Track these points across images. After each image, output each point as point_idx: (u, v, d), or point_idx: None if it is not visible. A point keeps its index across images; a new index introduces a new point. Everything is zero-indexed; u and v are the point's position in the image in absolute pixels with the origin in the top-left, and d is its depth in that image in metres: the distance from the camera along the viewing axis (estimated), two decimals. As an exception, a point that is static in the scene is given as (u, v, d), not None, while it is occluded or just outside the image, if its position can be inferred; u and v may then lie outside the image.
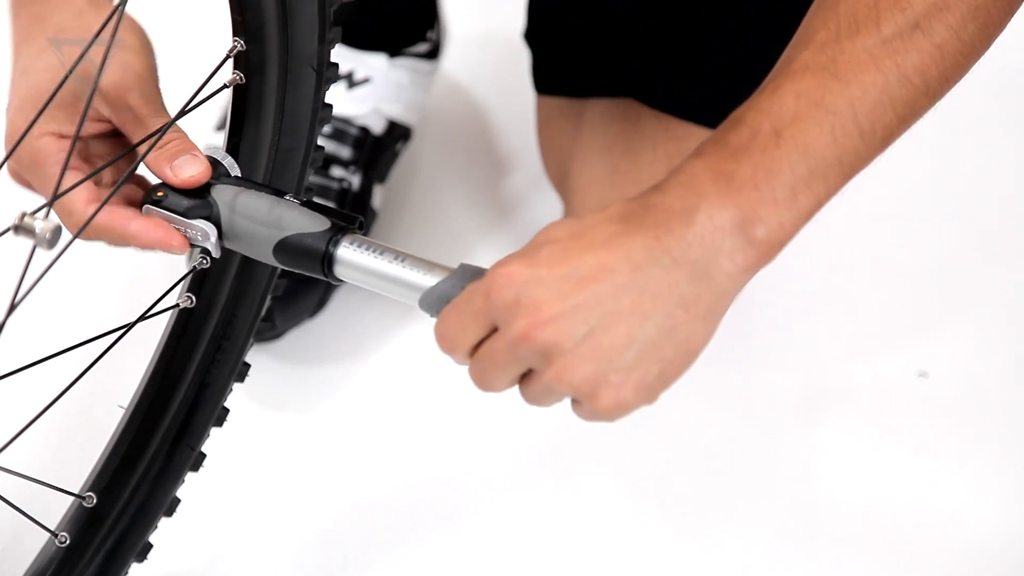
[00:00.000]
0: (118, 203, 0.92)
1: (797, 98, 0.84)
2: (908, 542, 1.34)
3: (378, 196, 1.52)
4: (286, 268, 0.91)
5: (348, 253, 0.88)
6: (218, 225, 0.91)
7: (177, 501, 1.12)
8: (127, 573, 1.12)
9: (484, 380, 0.85)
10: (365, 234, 0.92)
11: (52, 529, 1.06)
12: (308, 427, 1.40)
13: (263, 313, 1.07)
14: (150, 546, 1.13)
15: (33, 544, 1.10)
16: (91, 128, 0.95)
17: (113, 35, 0.83)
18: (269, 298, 1.07)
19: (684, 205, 0.82)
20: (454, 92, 1.68)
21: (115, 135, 0.96)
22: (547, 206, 1.56)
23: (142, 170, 0.93)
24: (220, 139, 0.98)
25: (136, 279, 1.45)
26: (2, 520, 1.23)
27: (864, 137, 0.85)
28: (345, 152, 1.49)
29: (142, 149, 0.91)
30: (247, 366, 1.10)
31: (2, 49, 1.07)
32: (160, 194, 0.91)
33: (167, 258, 1.24)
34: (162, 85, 0.96)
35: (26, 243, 0.77)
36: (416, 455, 1.39)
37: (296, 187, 1.00)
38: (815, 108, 0.84)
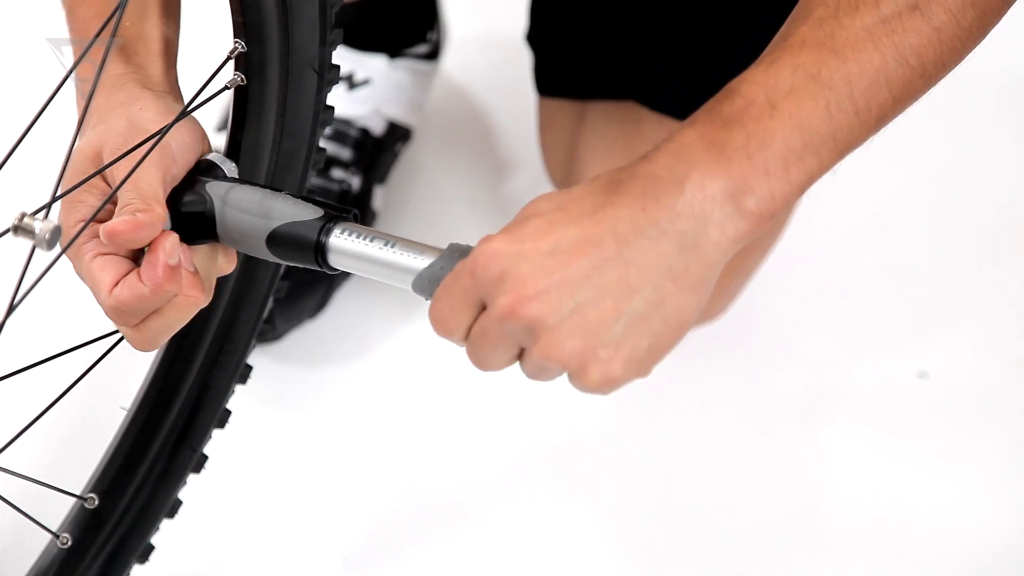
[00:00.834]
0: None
1: (794, 71, 0.83)
2: (908, 542, 1.34)
3: (378, 197, 1.52)
4: (281, 262, 0.91)
5: (340, 241, 0.88)
6: (212, 219, 0.90)
7: (179, 503, 1.13)
8: (129, 575, 1.12)
9: (481, 360, 0.84)
10: None
11: (54, 530, 1.06)
12: (308, 428, 1.40)
13: (265, 315, 1.07)
14: (152, 548, 1.13)
15: (34, 545, 1.10)
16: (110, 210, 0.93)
17: (112, 36, 0.83)
18: (271, 300, 1.07)
19: (674, 174, 0.81)
20: (454, 93, 1.68)
21: None
22: (547, 207, 1.55)
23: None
24: (221, 141, 0.97)
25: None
26: (3, 521, 1.23)
27: (859, 114, 0.84)
28: (345, 153, 1.49)
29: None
30: (249, 368, 1.10)
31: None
32: None
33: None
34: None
35: (25, 244, 0.76)
36: (416, 456, 1.39)
37: (298, 189, 1.00)
38: (811, 82, 0.83)
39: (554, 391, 1.43)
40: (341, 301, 1.48)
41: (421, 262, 0.86)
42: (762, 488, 1.37)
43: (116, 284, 0.88)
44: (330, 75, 0.95)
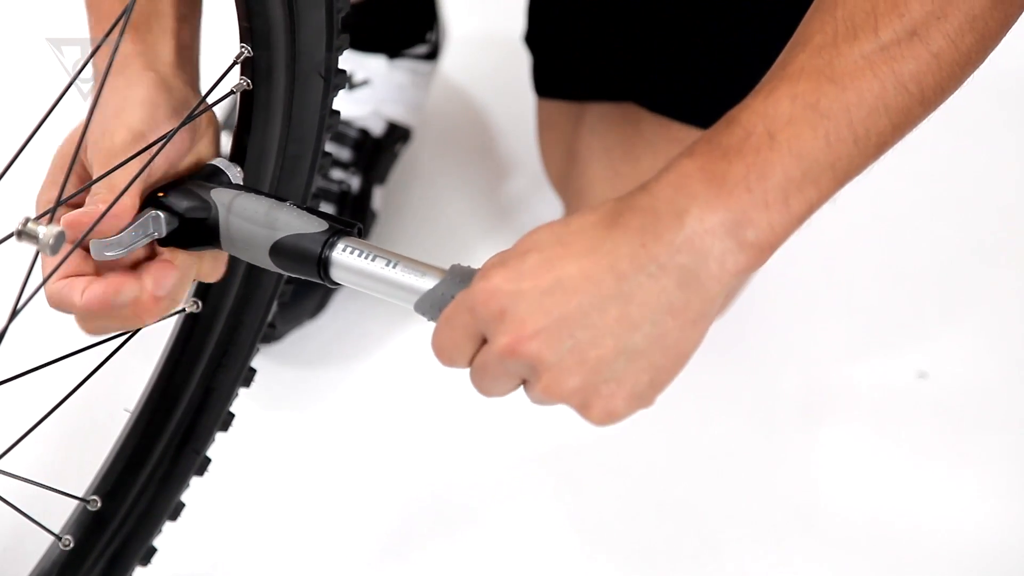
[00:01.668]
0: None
1: (792, 100, 0.83)
2: (907, 542, 1.34)
3: (378, 198, 1.52)
4: (283, 272, 0.91)
5: (343, 256, 0.88)
6: (216, 226, 0.90)
7: (182, 505, 1.12)
8: (131, 577, 1.13)
9: (484, 389, 0.84)
10: (365, 237, 0.92)
11: (56, 532, 1.06)
12: (309, 429, 1.40)
13: (270, 318, 1.07)
14: (154, 550, 1.13)
15: (36, 547, 1.10)
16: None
17: (118, 41, 0.82)
18: (276, 303, 1.07)
19: (673, 207, 0.81)
20: (454, 93, 1.68)
21: None
22: (547, 208, 1.56)
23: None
24: (226, 145, 0.97)
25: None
26: (5, 523, 1.23)
27: (858, 143, 0.84)
28: (345, 154, 1.49)
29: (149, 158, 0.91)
30: (253, 371, 1.10)
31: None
32: (161, 194, 0.91)
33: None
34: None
35: (29, 248, 0.77)
36: (417, 457, 1.39)
37: (303, 194, 1.00)
38: (810, 111, 0.83)
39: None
40: (341, 302, 1.48)
41: (423, 283, 0.86)
42: (762, 488, 1.37)
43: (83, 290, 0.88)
44: (336, 80, 0.95)
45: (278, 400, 1.41)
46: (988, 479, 1.38)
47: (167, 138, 0.89)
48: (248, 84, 0.92)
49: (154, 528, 1.11)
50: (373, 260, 0.87)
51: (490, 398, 0.85)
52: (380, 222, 1.53)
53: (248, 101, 0.94)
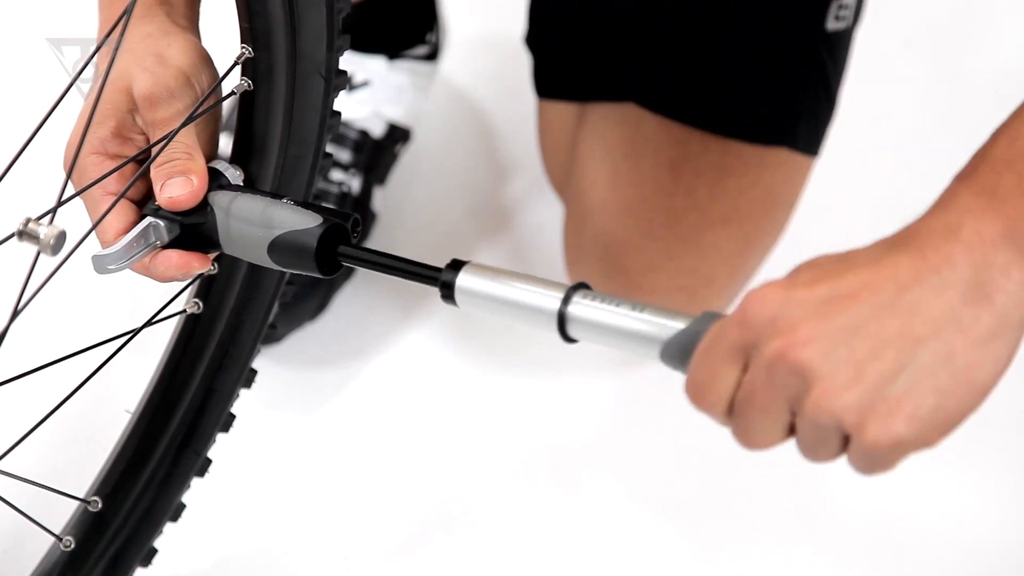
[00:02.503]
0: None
1: None
2: (908, 543, 1.34)
3: (378, 198, 1.52)
4: (285, 270, 0.91)
5: (580, 310, 0.83)
6: (214, 231, 0.90)
7: (182, 506, 1.12)
8: (132, 578, 1.13)
9: (749, 431, 0.79)
10: (365, 237, 0.92)
11: (57, 533, 1.06)
12: (309, 430, 1.41)
13: (271, 319, 1.07)
14: (155, 551, 1.13)
15: (36, 548, 1.10)
16: (134, 147, 0.94)
17: (120, 37, 0.82)
18: (277, 304, 1.07)
19: (947, 223, 0.77)
20: (454, 94, 1.68)
21: None
22: (547, 209, 1.56)
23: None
24: (227, 145, 0.97)
25: (143, 284, 1.45)
26: (6, 524, 1.23)
27: None
28: (345, 155, 1.49)
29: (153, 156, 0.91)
30: (254, 372, 1.10)
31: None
32: (157, 204, 0.91)
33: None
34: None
35: (31, 249, 0.77)
36: (417, 457, 1.39)
37: (304, 194, 1.00)
38: None
39: (554, 392, 1.43)
40: (341, 303, 1.48)
41: (674, 323, 0.80)
42: (762, 488, 1.37)
43: (123, 231, 0.91)
44: (337, 81, 0.95)
45: (279, 401, 1.42)
46: (988, 479, 1.38)
47: (172, 135, 0.90)
48: (249, 85, 0.92)
49: (155, 529, 1.11)
50: (618, 306, 0.82)
51: (755, 449, 0.79)
52: (380, 223, 1.53)
53: (249, 102, 0.94)
